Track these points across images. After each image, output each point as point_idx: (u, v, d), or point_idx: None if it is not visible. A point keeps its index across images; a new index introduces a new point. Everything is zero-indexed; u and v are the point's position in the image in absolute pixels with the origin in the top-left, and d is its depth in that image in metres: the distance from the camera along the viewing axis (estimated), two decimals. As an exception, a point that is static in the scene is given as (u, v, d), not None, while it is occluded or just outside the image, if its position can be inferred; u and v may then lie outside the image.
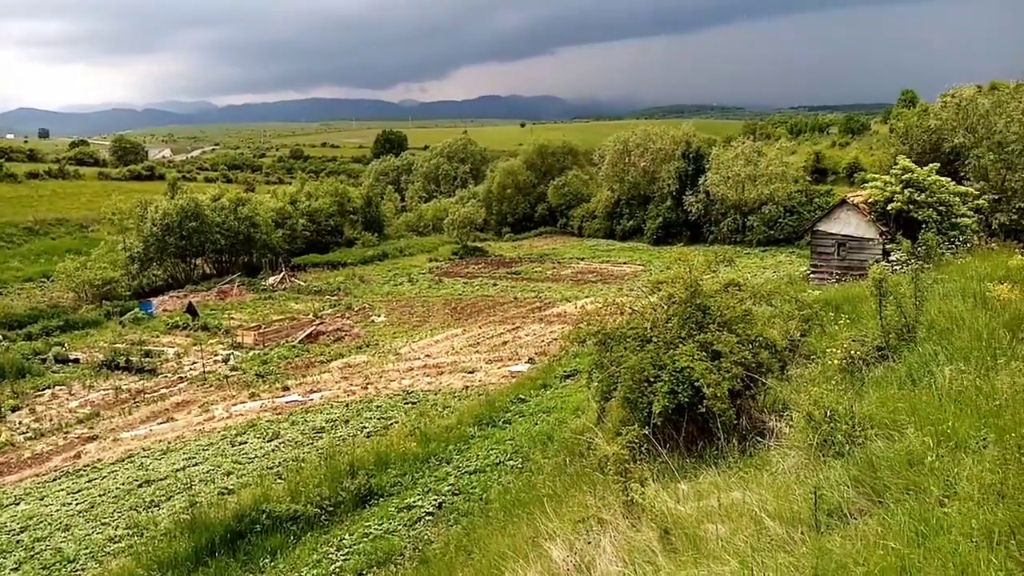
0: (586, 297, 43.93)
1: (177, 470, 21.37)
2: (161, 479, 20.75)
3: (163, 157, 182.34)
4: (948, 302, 12.38)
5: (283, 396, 29.17)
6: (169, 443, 24.54)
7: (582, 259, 63.83)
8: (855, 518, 5.75)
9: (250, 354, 37.39)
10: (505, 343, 35.48)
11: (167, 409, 29.57)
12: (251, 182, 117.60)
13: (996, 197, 40.84)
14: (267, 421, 25.59)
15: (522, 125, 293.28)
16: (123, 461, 23.31)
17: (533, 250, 71.66)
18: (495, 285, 53.32)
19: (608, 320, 12.70)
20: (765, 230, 60.45)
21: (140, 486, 20.46)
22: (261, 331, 41.43)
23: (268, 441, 23.13)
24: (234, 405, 28.67)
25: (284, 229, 68.20)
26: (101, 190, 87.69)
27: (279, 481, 18.27)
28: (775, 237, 59.93)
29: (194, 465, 21.66)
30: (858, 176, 55.71)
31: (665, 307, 11.97)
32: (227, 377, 33.48)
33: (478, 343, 35.91)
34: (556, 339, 33.80)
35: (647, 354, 11.03)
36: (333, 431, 23.44)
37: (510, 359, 31.91)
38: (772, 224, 60.35)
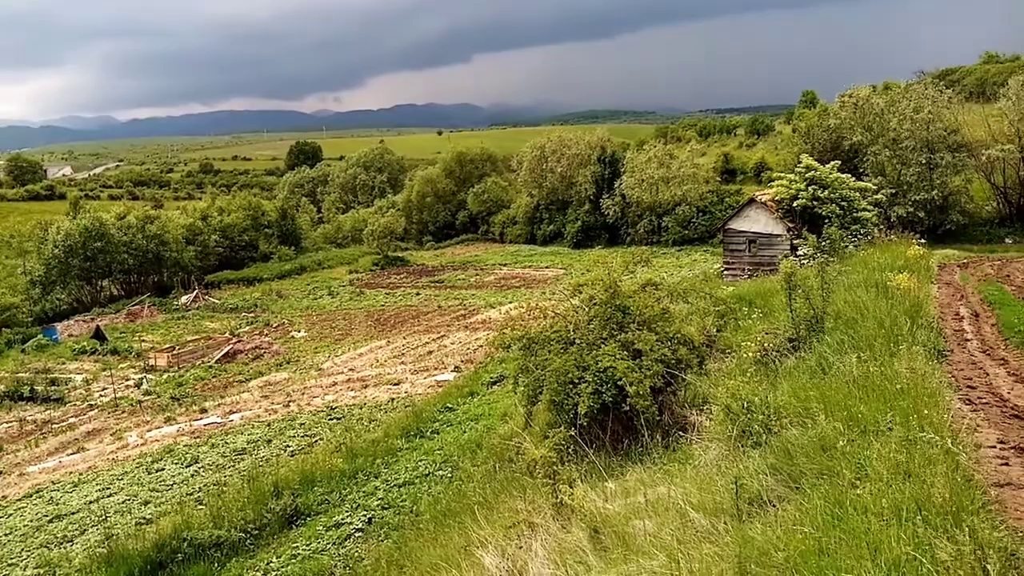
0: (510, 303, 44.10)
1: (90, 502, 20.35)
2: (73, 513, 19.72)
3: (64, 175, 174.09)
4: (853, 293, 12.96)
5: (201, 419, 28.19)
6: (80, 474, 23.37)
7: (504, 265, 64.07)
8: (774, 505, 5.94)
9: (164, 377, 36.02)
10: (430, 353, 35.26)
11: (77, 439, 28.16)
12: (159, 199, 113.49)
13: (893, 191, 43.11)
14: (185, 445, 24.68)
15: (439, 133, 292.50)
16: (31, 496, 22.07)
17: (455, 258, 71.55)
18: (418, 295, 52.96)
19: (532, 324, 12.78)
20: (680, 230, 62.03)
21: (51, 521, 19.40)
22: (175, 352, 39.96)
23: (187, 466, 22.30)
24: (149, 431, 27.54)
25: (196, 246, 66.01)
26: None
27: (200, 507, 17.62)
28: (689, 236, 61.58)
29: (108, 496, 20.68)
30: (765, 175, 57.83)
31: (586, 309, 12.13)
32: (140, 402, 32.15)
33: (403, 354, 35.58)
34: (482, 346, 33.80)
35: (571, 356, 11.15)
36: (255, 452, 22.78)
37: (436, 368, 31.73)
38: (686, 224, 61.99)
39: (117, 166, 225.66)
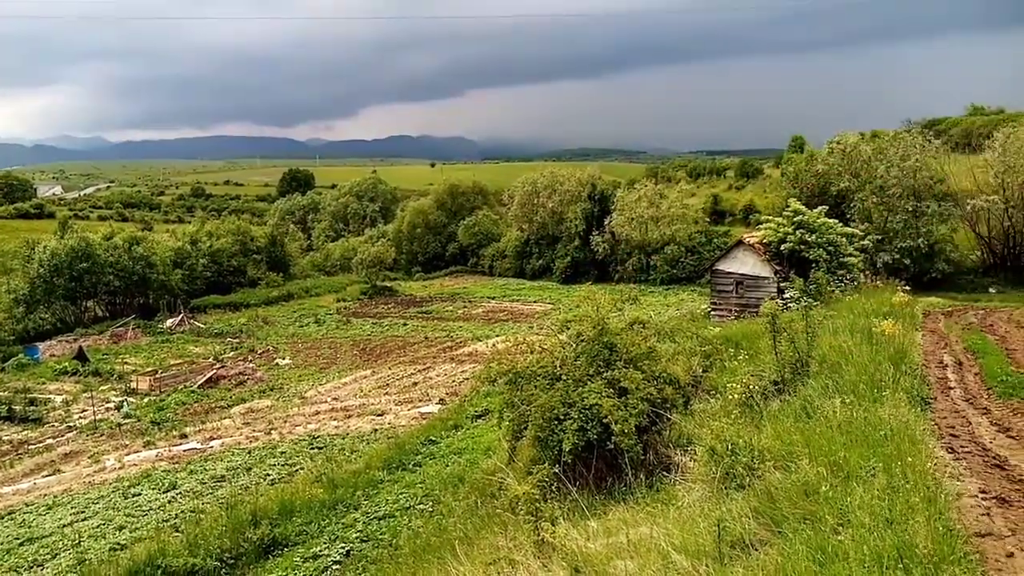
0: (497, 336, 44.02)
1: (64, 526, 19.96)
2: (46, 536, 19.32)
3: (54, 195, 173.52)
4: (838, 337, 13.06)
5: (180, 444, 27.83)
6: (55, 497, 22.95)
7: (492, 298, 64.09)
8: (756, 549, 5.92)
9: (145, 400, 35.61)
10: (415, 384, 35.06)
11: (53, 461, 27.69)
12: (148, 221, 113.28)
13: (879, 238, 43.58)
14: (163, 471, 24.32)
15: (432, 165, 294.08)
16: (2, 518, 21.62)
17: (444, 289, 71.53)
18: (405, 325, 52.82)
19: (518, 359, 12.76)
20: (668, 269, 62.39)
21: (22, 544, 18.98)
22: (157, 376, 39.56)
23: (164, 492, 21.96)
24: (127, 455, 27.14)
25: (183, 269, 65.72)
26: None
27: (176, 534, 17.30)
28: (677, 276, 61.92)
29: (83, 520, 20.29)
30: (753, 217, 58.39)
31: (574, 345, 12.15)
32: (120, 425, 31.72)
33: (387, 384, 35.36)
34: (467, 379, 33.66)
35: (557, 392, 11.13)
36: (234, 479, 22.47)
37: (420, 400, 31.54)
38: (674, 263, 62.37)
39: (108, 187, 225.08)
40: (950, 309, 24.89)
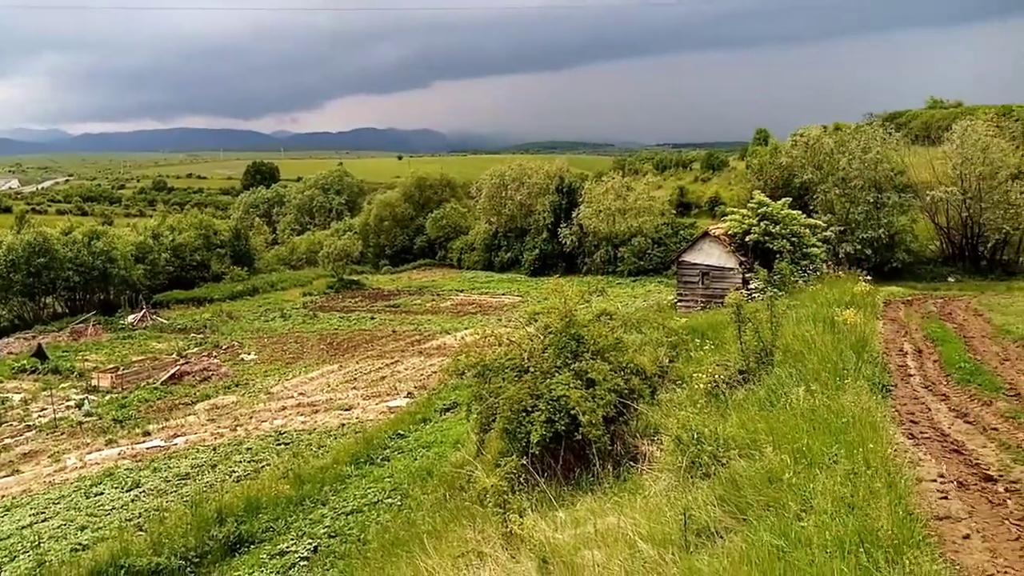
0: (466, 329, 43.94)
1: (23, 527, 19.49)
2: (4, 538, 18.86)
3: (10, 188, 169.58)
4: (801, 327, 13.24)
5: (144, 442, 27.35)
6: (14, 498, 22.40)
7: (461, 291, 63.93)
8: (722, 536, 5.97)
9: (107, 398, 34.91)
10: (383, 378, 34.86)
11: (12, 461, 27.02)
12: (109, 215, 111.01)
13: (842, 228, 44.32)
14: (126, 469, 23.88)
15: (399, 158, 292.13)
16: (-43, 521, 21.06)
17: (412, 282, 71.18)
18: (373, 319, 52.47)
19: (487, 351, 12.74)
20: (635, 261, 62.75)
21: (-23, 548, 18.52)
22: (119, 373, 38.80)
23: (127, 491, 21.56)
24: (89, 453, 26.61)
25: (145, 264, 64.45)
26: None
27: (140, 533, 17.01)
28: (645, 267, 62.30)
29: (43, 521, 19.84)
30: (719, 209, 58.96)
31: (541, 337, 12.15)
32: (81, 423, 31.07)
33: (355, 379, 35.11)
34: (436, 372, 33.55)
35: (525, 384, 11.13)
36: (199, 477, 22.16)
37: (388, 394, 31.38)
38: (642, 255, 62.74)
39: (67, 180, 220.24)
40: (910, 298, 25.42)
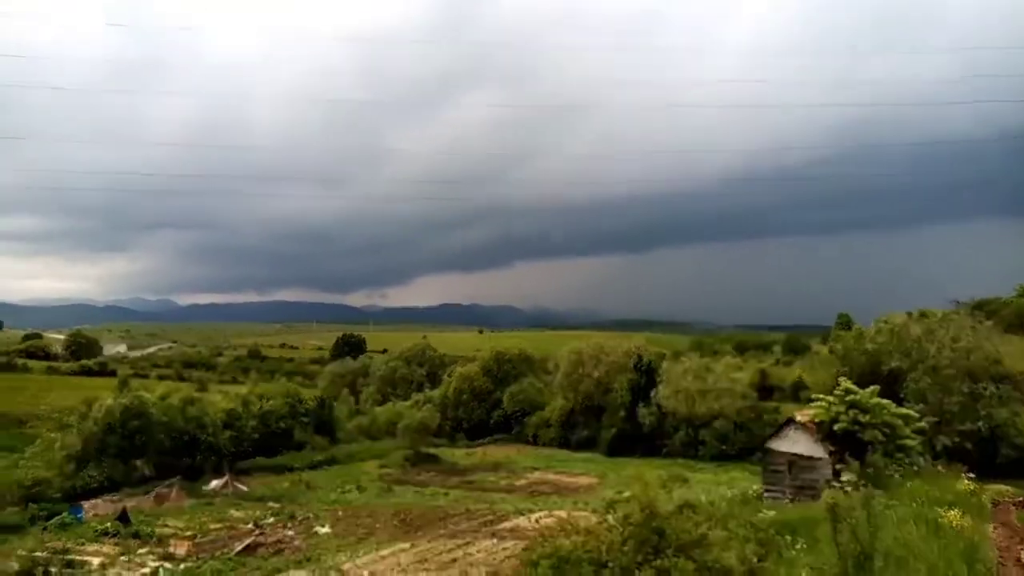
0: (540, 510, 42.78)
1: None
2: None
3: (118, 352, 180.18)
4: (902, 529, 12.55)
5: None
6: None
7: (536, 469, 62.77)
8: None
9: (182, 567, 34.93)
10: (455, 560, 33.87)
11: (83, 629, 27.00)
12: (204, 381, 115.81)
13: (937, 420, 42.24)
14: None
15: (480, 331, 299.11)
16: None
17: (487, 458, 70.46)
18: (447, 495, 51.76)
19: (563, 540, 12.52)
20: (718, 445, 60.81)
21: None
22: (196, 541, 39.00)
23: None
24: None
25: (233, 430, 66.26)
26: (47, 385, 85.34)
27: None
28: (728, 452, 60.22)
29: None
30: (803, 394, 57.40)
31: (621, 528, 11.91)
32: (154, 592, 31.01)
33: (426, 560, 34.23)
34: (509, 556, 32.44)
35: (604, 580, 10.82)
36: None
37: (460, 578, 30.35)
38: (724, 439, 60.87)
39: (170, 347, 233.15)
40: (1021, 499, 23.66)
